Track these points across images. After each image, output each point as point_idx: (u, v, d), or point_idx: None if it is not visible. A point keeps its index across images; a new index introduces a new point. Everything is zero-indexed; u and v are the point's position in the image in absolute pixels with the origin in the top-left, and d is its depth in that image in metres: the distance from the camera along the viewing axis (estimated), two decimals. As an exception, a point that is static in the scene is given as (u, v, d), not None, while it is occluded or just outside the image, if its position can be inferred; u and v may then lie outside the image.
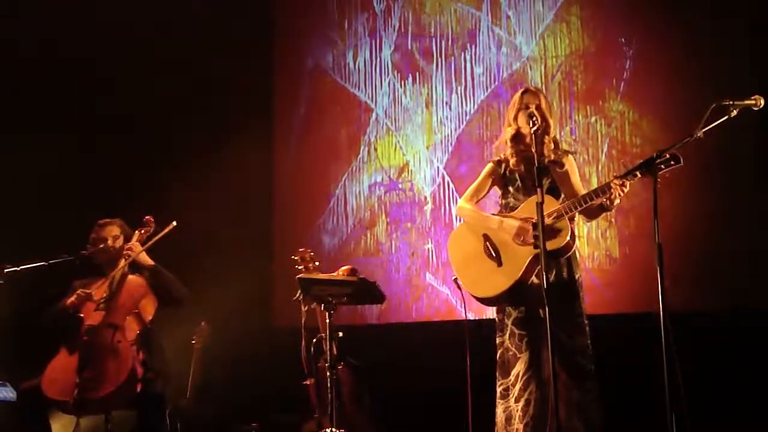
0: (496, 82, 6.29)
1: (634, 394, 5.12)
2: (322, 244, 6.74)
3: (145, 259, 4.81)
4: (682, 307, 5.06)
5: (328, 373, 4.56)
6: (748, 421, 5.11)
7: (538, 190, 3.65)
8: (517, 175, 4.27)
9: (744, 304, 5.35)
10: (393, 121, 6.63)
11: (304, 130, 6.99)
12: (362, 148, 6.72)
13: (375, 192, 6.63)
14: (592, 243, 5.83)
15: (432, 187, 6.43)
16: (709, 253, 5.47)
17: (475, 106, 6.34)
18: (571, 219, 4.03)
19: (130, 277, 4.78)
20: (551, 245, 3.86)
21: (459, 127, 6.39)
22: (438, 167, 6.42)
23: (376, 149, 6.67)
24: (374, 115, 6.70)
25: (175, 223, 4.84)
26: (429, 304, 6.27)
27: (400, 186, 6.55)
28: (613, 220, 5.74)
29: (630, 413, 5.05)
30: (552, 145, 4.22)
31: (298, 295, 4.75)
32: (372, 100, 6.72)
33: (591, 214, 4.15)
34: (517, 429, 4.07)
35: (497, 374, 4.21)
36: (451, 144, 6.41)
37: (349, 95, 6.81)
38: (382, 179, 6.62)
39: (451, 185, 6.31)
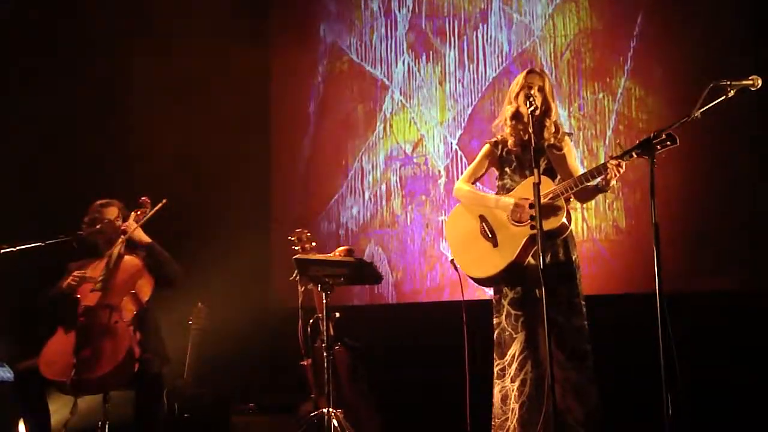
0: (507, 61, 6.38)
1: (631, 375, 5.14)
2: (339, 217, 6.88)
3: (141, 236, 4.77)
4: (686, 286, 5.19)
5: (324, 354, 4.54)
6: (747, 406, 5.11)
7: (535, 170, 3.65)
8: (513, 156, 4.25)
9: (748, 284, 5.39)
10: (408, 98, 6.73)
11: (321, 108, 7.11)
12: (378, 124, 6.83)
13: (391, 166, 6.76)
14: (599, 215, 5.94)
15: (445, 162, 6.54)
16: (718, 229, 5.54)
17: (487, 84, 6.44)
18: (567, 200, 4.00)
19: (127, 257, 4.71)
20: (547, 225, 3.79)
21: (471, 103, 6.49)
22: (451, 142, 6.54)
23: (391, 125, 6.78)
24: (390, 92, 6.80)
25: (166, 200, 4.81)
26: (443, 273, 6.37)
27: (414, 160, 6.67)
28: (619, 192, 5.83)
29: (627, 393, 5.08)
30: (553, 129, 4.20)
31: (294, 275, 4.69)
32: (387, 78, 6.83)
33: (586, 195, 4.14)
34: (513, 409, 4.07)
35: (494, 355, 4.20)
36: (464, 120, 6.51)
37: (366, 73, 6.91)
38: (398, 154, 6.74)
39: (463, 159, 6.41)
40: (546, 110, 4.16)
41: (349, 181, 6.91)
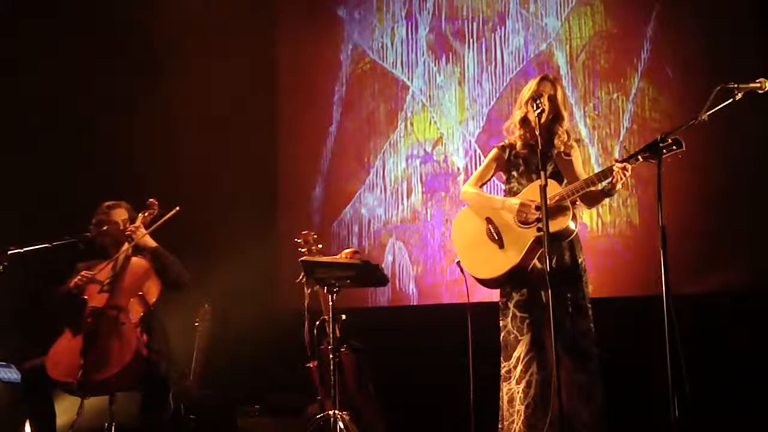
0: (524, 62, 6.53)
1: (637, 376, 5.12)
2: (361, 213, 7.02)
3: (148, 241, 4.72)
4: (689, 287, 5.29)
5: (330, 356, 4.54)
6: (749, 406, 5.15)
7: (542, 173, 3.65)
8: (521, 159, 4.25)
9: (748, 284, 5.45)
10: (428, 98, 6.87)
11: (344, 107, 7.23)
12: (399, 123, 6.96)
13: (411, 164, 6.90)
14: (613, 211, 6.06)
15: (464, 160, 6.68)
16: (718, 229, 5.64)
17: (504, 84, 6.57)
18: (573, 203, 3.99)
19: (134, 259, 4.68)
20: (552, 227, 3.79)
21: (489, 103, 6.63)
22: (470, 141, 6.68)
23: (412, 124, 6.92)
24: (410, 92, 6.94)
25: (178, 208, 4.73)
26: (461, 267, 6.57)
27: (434, 158, 6.81)
28: (633, 189, 5.94)
29: (634, 394, 5.12)
30: (565, 137, 4.20)
31: (301, 277, 4.72)
32: (408, 79, 6.96)
33: (593, 199, 4.11)
34: (518, 411, 4.05)
35: (501, 357, 4.19)
36: (482, 119, 6.64)
37: (387, 74, 7.05)
38: (418, 152, 6.88)
39: (482, 157, 6.44)
40: (555, 118, 4.18)
41: (371, 178, 7.06)
